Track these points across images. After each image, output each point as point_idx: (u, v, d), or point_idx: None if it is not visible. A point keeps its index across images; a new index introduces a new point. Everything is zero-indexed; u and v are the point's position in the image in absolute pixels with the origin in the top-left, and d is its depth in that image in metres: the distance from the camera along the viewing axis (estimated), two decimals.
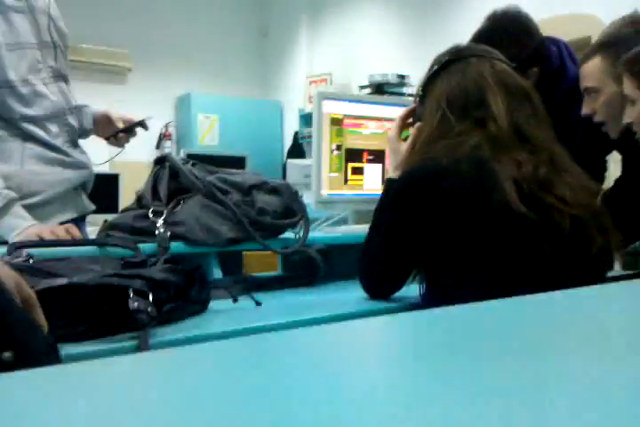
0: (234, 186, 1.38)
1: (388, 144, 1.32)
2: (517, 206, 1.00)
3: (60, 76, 1.61)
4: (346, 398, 0.31)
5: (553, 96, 1.63)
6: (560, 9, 4.00)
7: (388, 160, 1.78)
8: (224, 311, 1.09)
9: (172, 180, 1.38)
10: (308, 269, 1.45)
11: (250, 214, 1.33)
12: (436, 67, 1.18)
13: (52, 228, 1.30)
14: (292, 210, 1.41)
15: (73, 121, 1.63)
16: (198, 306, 1.06)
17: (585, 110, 1.50)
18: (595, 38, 1.68)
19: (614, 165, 1.78)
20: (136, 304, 0.85)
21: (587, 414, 0.27)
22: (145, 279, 0.90)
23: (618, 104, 1.39)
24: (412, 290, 1.17)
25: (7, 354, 0.57)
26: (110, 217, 1.46)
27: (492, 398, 0.30)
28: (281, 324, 1.01)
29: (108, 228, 1.34)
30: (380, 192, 1.23)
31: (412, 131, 1.25)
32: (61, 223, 1.42)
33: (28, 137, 1.52)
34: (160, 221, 1.27)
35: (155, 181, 1.38)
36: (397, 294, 1.19)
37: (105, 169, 3.08)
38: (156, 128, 5.88)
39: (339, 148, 1.74)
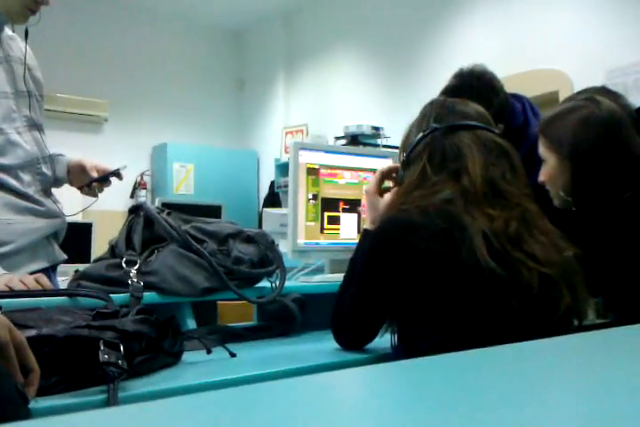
0: (209, 235, 1.37)
1: (365, 197, 1.33)
2: (486, 262, 0.99)
3: (34, 126, 1.61)
4: None
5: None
6: (528, 64, 4.16)
7: (364, 208, 1.80)
8: (197, 363, 1.07)
9: (146, 229, 1.37)
10: (284, 318, 1.44)
11: (226, 264, 1.32)
12: (421, 134, 1.17)
13: (22, 277, 1.27)
14: (268, 259, 1.40)
15: (46, 170, 1.62)
16: (171, 358, 1.03)
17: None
18: (562, 93, 1.75)
19: None
20: (106, 357, 0.83)
21: None
22: (116, 331, 0.88)
23: (559, 174, 1.42)
24: (385, 340, 1.16)
25: None
26: (82, 267, 1.43)
27: None
28: (256, 376, 0.99)
29: (80, 277, 1.32)
30: (357, 242, 1.24)
31: (388, 194, 1.25)
32: (32, 273, 1.39)
33: (0, 187, 1.51)
34: (133, 271, 1.25)
35: (129, 229, 1.37)
36: (371, 345, 1.19)
37: (78, 218, 3.06)
38: (130, 177, 5.89)
39: (315, 197, 1.75)
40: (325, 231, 1.77)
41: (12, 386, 0.65)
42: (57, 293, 1.18)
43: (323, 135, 5.58)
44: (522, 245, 1.05)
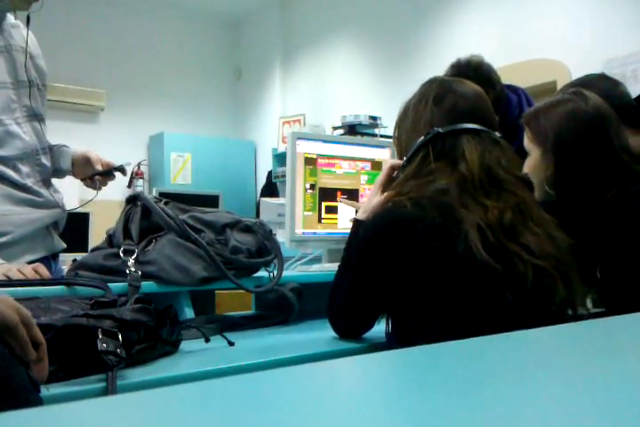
0: (207, 225, 1.37)
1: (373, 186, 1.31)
2: (481, 255, 0.99)
3: (34, 116, 1.60)
4: None
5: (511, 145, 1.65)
6: (526, 54, 4.14)
7: (362, 198, 1.80)
8: (196, 352, 1.07)
9: (144, 218, 1.37)
10: (282, 307, 1.44)
11: (223, 253, 1.32)
12: (422, 138, 1.15)
13: (20, 267, 1.28)
14: (265, 248, 1.40)
15: (46, 161, 1.62)
16: (169, 347, 1.04)
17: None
18: (559, 83, 1.75)
19: None
20: (105, 345, 0.83)
21: None
22: (115, 320, 0.88)
23: (542, 167, 1.42)
24: (382, 329, 1.16)
25: None
26: (80, 256, 1.43)
27: None
28: (254, 364, 1.00)
29: (78, 267, 1.32)
30: (349, 231, 1.24)
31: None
32: (30, 262, 1.40)
33: None
34: (131, 260, 1.25)
35: (126, 219, 1.37)
36: (368, 334, 1.20)
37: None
38: (128, 167, 5.87)
39: (312, 187, 1.75)
40: (323, 221, 1.77)
41: (24, 374, 0.65)
42: (55, 282, 1.18)
43: (320, 125, 5.57)
44: (517, 236, 1.04)
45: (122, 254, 1.27)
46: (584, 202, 1.37)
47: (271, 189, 6.15)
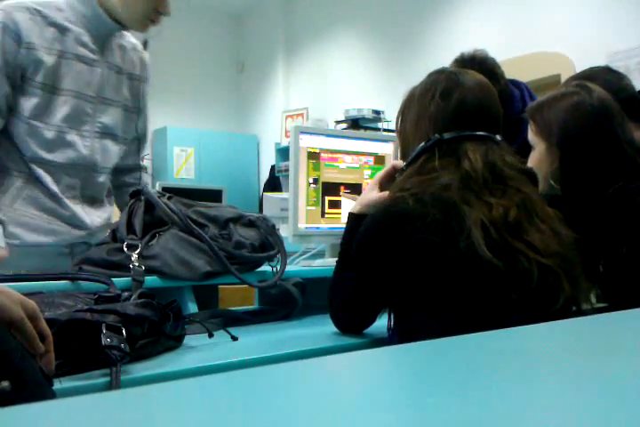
0: (211, 219, 1.37)
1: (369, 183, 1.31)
2: (484, 253, 0.98)
3: (108, 134, 1.60)
4: None
5: (514, 141, 1.65)
6: (530, 47, 4.13)
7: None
8: (199, 347, 1.07)
9: (147, 213, 1.37)
10: (285, 302, 1.44)
11: (227, 248, 1.32)
12: (423, 144, 1.14)
13: None
14: (269, 243, 1.40)
15: (104, 180, 1.61)
16: (173, 342, 1.04)
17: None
18: (563, 77, 1.74)
19: None
20: (109, 340, 0.83)
21: None
22: (118, 314, 0.89)
23: (547, 161, 1.41)
24: (383, 324, 1.16)
25: (4, 384, 0.56)
26: None
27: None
28: (257, 359, 1.00)
29: (81, 261, 1.32)
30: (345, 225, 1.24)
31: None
32: None
33: (33, 179, 1.50)
34: (135, 255, 1.25)
35: (130, 214, 1.37)
36: (370, 329, 1.20)
37: None
38: None
39: (316, 181, 1.75)
40: (326, 215, 1.77)
41: (37, 367, 0.65)
42: (59, 276, 1.19)
43: (323, 119, 5.56)
44: (521, 234, 1.03)
45: (125, 249, 1.27)
46: (589, 195, 1.36)
47: (274, 183, 6.15)
